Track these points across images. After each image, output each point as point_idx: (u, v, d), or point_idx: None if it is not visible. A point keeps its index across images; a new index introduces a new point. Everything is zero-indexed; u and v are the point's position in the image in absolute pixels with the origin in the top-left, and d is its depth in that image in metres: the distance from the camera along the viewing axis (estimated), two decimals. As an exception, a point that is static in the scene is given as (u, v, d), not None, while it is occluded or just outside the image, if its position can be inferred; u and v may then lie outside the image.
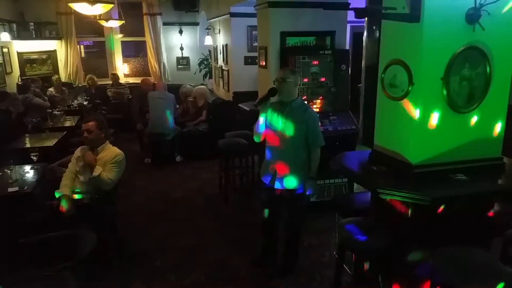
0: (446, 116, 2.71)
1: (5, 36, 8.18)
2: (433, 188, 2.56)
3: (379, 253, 2.82)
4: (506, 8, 2.61)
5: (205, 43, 9.62)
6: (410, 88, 2.67)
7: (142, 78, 8.77)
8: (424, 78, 2.62)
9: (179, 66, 10.98)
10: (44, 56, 9.71)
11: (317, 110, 4.62)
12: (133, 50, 11.01)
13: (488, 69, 2.69)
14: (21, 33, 8.96)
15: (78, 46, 9.99)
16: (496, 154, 2.90)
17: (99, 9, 6.02)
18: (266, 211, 3.65)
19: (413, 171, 2.71)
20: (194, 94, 7.48)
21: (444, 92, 2.65)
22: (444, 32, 2.56)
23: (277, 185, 3.43)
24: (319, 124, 3.56)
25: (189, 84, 8.16)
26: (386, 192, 2.58)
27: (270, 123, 3.40)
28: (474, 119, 2.78)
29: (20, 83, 8.74)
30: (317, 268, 3.72)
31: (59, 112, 7.23)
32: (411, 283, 2.83)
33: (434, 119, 2.70)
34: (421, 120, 2.69)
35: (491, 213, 2.92)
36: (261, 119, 3.39)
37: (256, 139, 3.53)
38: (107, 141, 3.87)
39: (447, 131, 2.74)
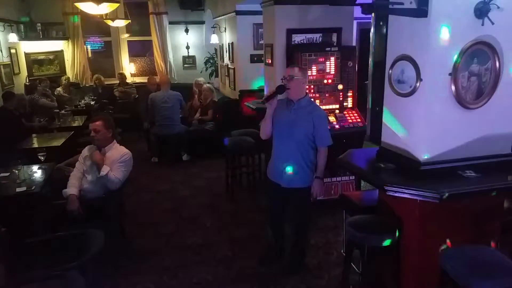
0: (455, 112, 2.68)
1: (12, 37, 8.24)
2: (442, 185, 2.53)
3: (387, 251, 2.80)
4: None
5: (211, 42, 9.60)
6: (418, 84, 2.64)
7: (148, 77, 8.79)
8: (432, 74, 2.59)
9: (185, 65, 10.97)
10: (51, 57, 9.75)
11: (324, 107, 4.59)
12: (140, 50, 11.02)
13: (497, 64, 2.65)
14: (28, 34, 9.01)
15: (84, 46, 10.02)
16: (506, 150, 2.86)
17: (105, 8, 6.04)
18: (273, 210, 3.63)
19: (421, 168, 2.69)
20: (203, 89, 7.48)
21: (453, 87, 2.61)
22: (452, 27, 2.53)
23: (283, 184, 3.41)
24: (327, 123, 3.52)
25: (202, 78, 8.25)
26: (394, 190, 2.56)
27: (277, 121, 3.36)
28: (483, 115, 2.74)
29: (27, 83, 8.80)
30: (324, 266, 3.70)
31: (66, 112, 7.27)
32: (420, 280, 2.81)
33: (443, 115, 2.67)
34: (429, 117, 2.66)
35: (501, 210, 2.88)
36: (268, 116, 3.36)
37: (262, 136, 3.52)
38: (114, 141, 3.87)
39: (456, 127, 2.71)
